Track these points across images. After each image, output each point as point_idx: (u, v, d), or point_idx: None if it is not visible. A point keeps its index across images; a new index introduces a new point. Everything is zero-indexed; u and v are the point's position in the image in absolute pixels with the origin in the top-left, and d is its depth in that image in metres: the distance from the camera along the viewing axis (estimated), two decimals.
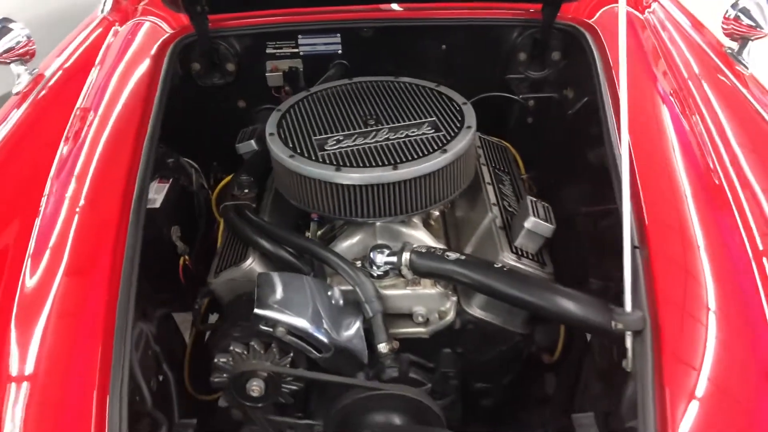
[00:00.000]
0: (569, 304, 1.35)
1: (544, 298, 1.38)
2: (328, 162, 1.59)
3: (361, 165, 1.58)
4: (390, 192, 1.57)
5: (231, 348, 1.46)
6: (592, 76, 1.87)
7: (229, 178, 2.06)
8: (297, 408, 1.59)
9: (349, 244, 1.71)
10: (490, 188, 1.85)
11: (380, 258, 1.63)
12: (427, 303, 1.65)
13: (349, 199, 1.58)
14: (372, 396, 1.47)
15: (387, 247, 1.66)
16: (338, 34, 2.19)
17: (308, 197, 1.63)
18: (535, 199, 1.68)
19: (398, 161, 1.58)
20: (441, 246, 1.73)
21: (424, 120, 1.73)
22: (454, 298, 1.66)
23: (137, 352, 1.39)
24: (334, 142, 1.67)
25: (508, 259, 1.61)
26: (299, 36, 2.19)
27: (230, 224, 1.73)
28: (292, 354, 1.47)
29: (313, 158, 1.61)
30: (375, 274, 1.64)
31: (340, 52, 2.21)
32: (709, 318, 1.25)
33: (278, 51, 2.20)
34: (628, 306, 1.24)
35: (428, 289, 1.64)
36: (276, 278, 1.50)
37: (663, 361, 1.19)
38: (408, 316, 1.67)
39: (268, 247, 1.64)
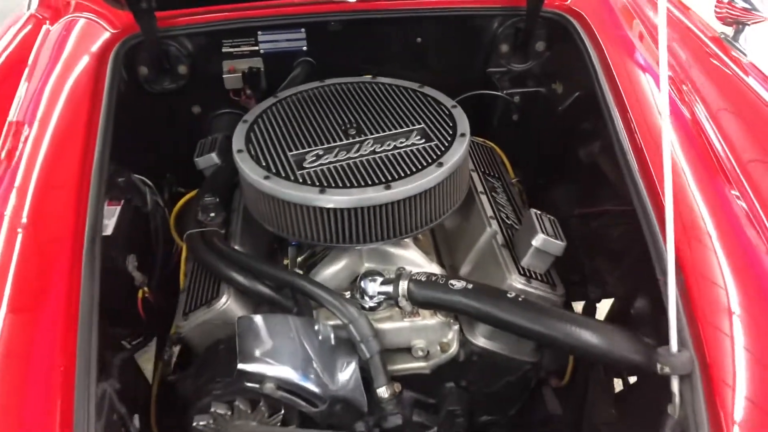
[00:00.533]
0: (601, 341, 1.19)
1: (571, 334, 1.22)
2: (309, 182, 1.39)
3: (348, 185, 1.38)
4: (382, 214, 1.39)
5: (212, 409, 1.25)
6: (584, 69, 1.71)
7: (189, 195, 1.84)
8: None
9: (334, 271, 1.52)
10: (484, 198, 1.68)
11: (372, 287, 1.45)
12: (428, 335, 1.48)
13: (335, 224, 1.39)
14: None
15: (379, 274, 1.48)
16: (303, 29, 1.97)
17: (287, 223, 1.43)
18: (539, 212, 1.51)
19: (389, 179, 1.39)
20: (437, 267, 1.56)
21: (411, 128, 1.55)
22: (456, 327, 1.49)
23: (101, 418, 1.18)
24: (314, 157, 1.47)
25: (517, 282, 1.45)
26: (259, 32, 1.96)
27: (198, 256, 1.51)
28: (282, 411, 1.28)
29: (292, 178, 1.41)
30: (367, 306, 1.46)
31: (305, 48, 1.99)
32: (756, 347, 1.11)
33: (236, 50, 1.97)
34: (674, 345, 1.09)
35: (428, 319, 1.46)
36: (259, 323, 1.30)
37: (718, 405, 1.05)
38: (406, 350, 1.49)
39: (244, 282, 1.43)
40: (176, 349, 1.44)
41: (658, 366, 1.09)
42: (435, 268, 1.59)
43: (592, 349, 1.19)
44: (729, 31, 1.93)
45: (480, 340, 1.49)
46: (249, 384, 1.24)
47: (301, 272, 1.50)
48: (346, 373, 1.34)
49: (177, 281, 1.76)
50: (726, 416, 1.03)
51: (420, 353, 1.48)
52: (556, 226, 1.49)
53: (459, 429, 1.50)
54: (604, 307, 1.85)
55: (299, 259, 1.56)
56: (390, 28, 2.03)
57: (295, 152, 1.49)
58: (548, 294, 1.46)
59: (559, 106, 1.91)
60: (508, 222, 1.63)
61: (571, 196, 1.99)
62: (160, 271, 1.87)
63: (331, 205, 1.36)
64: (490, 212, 1.62)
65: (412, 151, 1.47)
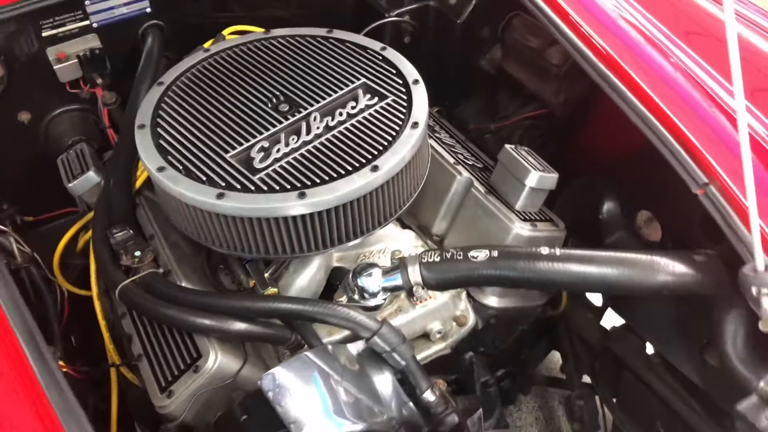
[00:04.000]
0: (675, 274, 1.10)
1: (635, 276, 1.11)
2: (278, 187, 1.11)
3: (327, 178, 1.12)
4: (371, 203, 1.16)
5: None
6: None
7: (70, 234, 1.44)
8: None
9: (309, 276, 1.29)
10: (434, 143, 1.48)
11: (373, 283, 1.23)
12: (442, 314, 1.31)
13: (318, 227, 1.14)
14: None
15: (371, 265, 1.25)
16: None
17: (254, 241, 1.15)
18: (513, 146, 1.37)
19: (370, 157, 1.15)
20: (410, 233, 1.41)
21: (352, 86, 1.29)
22: (465, 294, 1.34)
23: None
24: (261, 153, 1.17)
25: (523, 230, 1.31)
26: (86, 1, 1.51)
27: (153, 314, 1.16)
28: None
29: (253, 188, 1.12)
30: (372, 305, 1.25)
31: (149, 10, 1.59)
32: None
33: (60, 30, 1.51)
34: (760, 263, 1.03)
35: (438, 298, 1.29)
36: (283, 378, 1.04)
37: None
38: (422, 336, 1.32)
39: (227, 328, 1.13)
40: None
41: (754, 289, 1.03)
42: (409, 235, 1.41)
43: (668, 285, 1.10)
44: None
45: (493, 300, 1.36)
46: None
47: (275, 292, 1.23)
48: (387, 388, 1.15)
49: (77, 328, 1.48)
50: None
51: (437, 336, 1.31)
52: (536, 157, 1.36)
53: (495, 400, 1.38)
54: None
55: (267, 274, 1.28)
56: None
57: (232, 153, 1.18)
58: (554, 233, 1.34)
59: (457, 19, 1.73)
60: (469, 163, 1.47)
61: (482, 112, 1.87)
62: (62, 333, 1.48)
63: (317, 209, 1.10)
64: (450, 158, 1.44)
65: (372, 115, 1.23)
